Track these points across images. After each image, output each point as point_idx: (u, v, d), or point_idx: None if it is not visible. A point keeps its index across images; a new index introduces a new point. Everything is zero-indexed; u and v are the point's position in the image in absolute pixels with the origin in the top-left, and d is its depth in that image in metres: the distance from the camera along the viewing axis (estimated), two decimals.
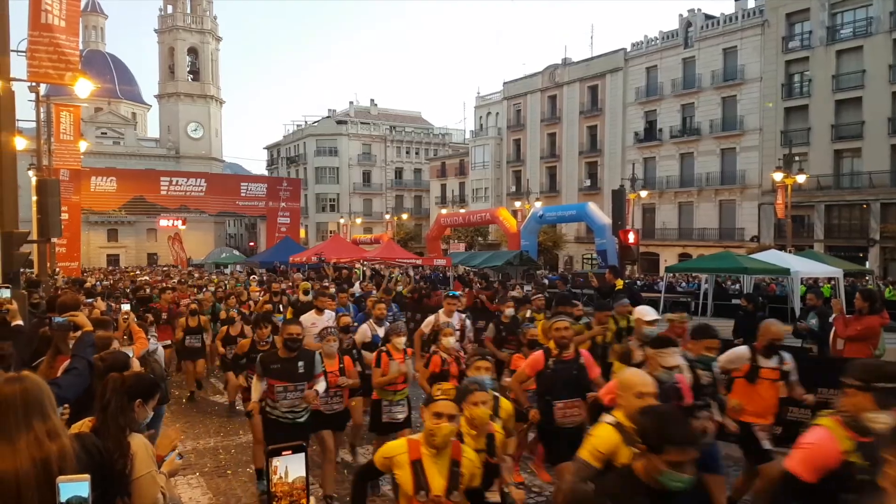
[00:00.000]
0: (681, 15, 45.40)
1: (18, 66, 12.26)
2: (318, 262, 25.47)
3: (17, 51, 12.40)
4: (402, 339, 6.72)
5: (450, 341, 6.67)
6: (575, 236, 50.69)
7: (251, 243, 74.51)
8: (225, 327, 10.59)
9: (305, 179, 70.08)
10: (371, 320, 8.84)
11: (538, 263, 33.21)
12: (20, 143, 13.19)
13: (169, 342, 11.56)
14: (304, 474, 2.12)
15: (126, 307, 9.52)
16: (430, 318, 9.10)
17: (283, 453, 2.11)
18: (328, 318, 9.09)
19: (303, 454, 2.14)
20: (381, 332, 8.41)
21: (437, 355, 6.55)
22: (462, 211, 52.83)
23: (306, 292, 11.81)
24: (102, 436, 2.92)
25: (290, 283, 18.04)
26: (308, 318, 9.01)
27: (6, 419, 2.31)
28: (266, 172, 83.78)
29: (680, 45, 45.18)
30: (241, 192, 46.37)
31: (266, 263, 32.86)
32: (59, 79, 12.63)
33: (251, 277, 21.80)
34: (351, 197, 72.52)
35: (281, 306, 12.63)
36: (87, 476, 2.05)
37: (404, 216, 66.82)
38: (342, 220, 62.99)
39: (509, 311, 9.26)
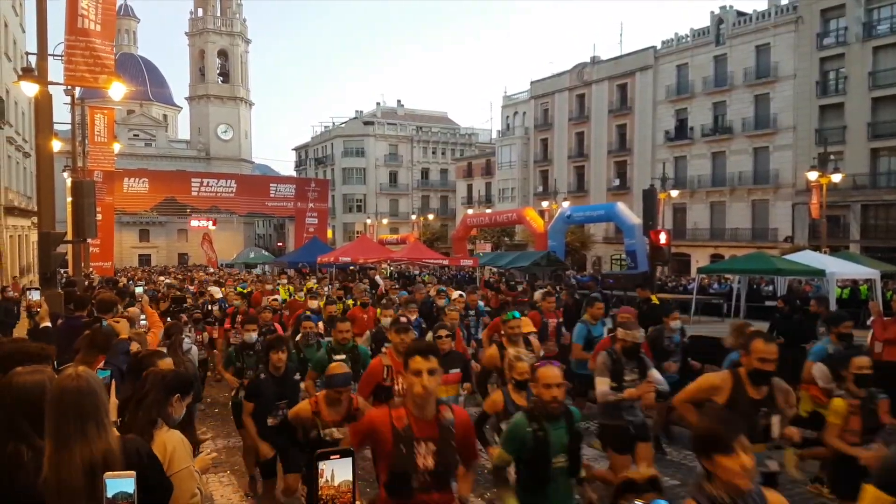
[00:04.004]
0: (712, 12, 44.73)
1: (55, 69, 12.51)
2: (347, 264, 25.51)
3: (54, 55, 12.66)
4: None
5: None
6: (603, 237, 50.22)
7: (279, 243, 75.26)
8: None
9: (333, 180, 70.56)
10: None
11: (566, 264, 32.87)
12: (56, 145, 13.45)
13: None
14: (350, 478, 2.11)
15: (140, 290, 9.71)
16: None
17: (332, 457, 2.10)
18: None
19: (350, 458, 2.12)
20: None
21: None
22: (488, 211, 52.67)
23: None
24: (131, 427, 2.96)
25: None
26: None
27: (66, 422, 2.32)
28: (294, 173, 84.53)
29: (711, 42, 44.52)
30: (270, 192, 46.73)
31: (294, 263, 33.17)
32: (94, 82, 12.87)
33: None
34: (377, 197, 72.85)
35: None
36: (133, 473, 2.10)
37: (430, 216, 66.91)
38: (369, 221, 63.36)
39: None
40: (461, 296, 11.26)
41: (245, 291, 15.28)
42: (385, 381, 5.44)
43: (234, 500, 6.75)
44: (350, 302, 12.76)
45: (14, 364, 2.75)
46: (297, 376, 5.91)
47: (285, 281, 19.78)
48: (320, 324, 8.94)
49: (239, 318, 9.91)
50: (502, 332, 6.43)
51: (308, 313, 9.13)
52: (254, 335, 7.06)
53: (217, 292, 13.83)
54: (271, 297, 11.26)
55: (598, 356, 5.78)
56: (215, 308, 12.25)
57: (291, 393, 5.75)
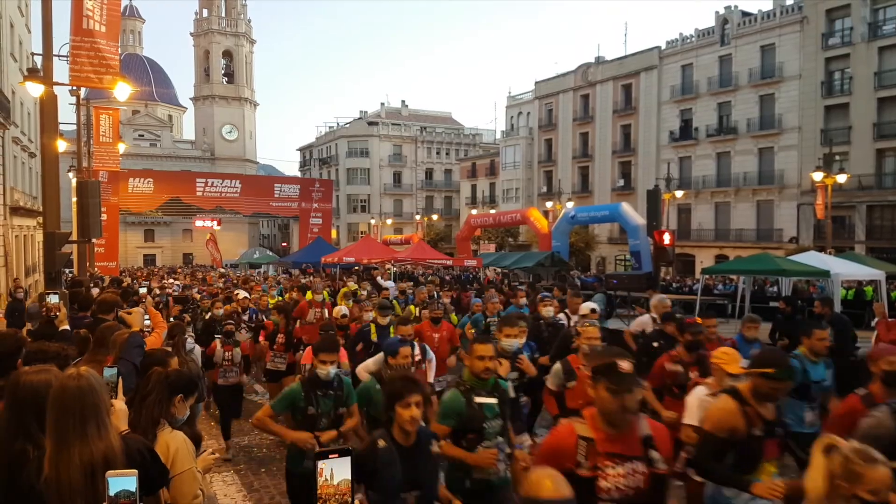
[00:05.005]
0: (717, 12, 44.66)
1: (60, 70, 12.54)
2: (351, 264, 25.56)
3: (59, 55, 12.68)
4: None
5: None
6: (608, 237, 50.16)
7: (284, 244, 75.37)
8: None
9: (337, 180, 70.64)
10: None
11: (570, 265, 32.86)
12: (61, 145, 13.47)
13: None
14: (348, 477, 2.12)
15: (143, 290, 9.69)
16: None
17: (330, 456, 2.11)
18: None
19: (348, 458, 2.13)
20: None
21: None
22: (492, 211, 52.69)
23: None
24: (134, 427, 2.97)
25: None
26: None
27: (66, 422, 2.33)
28: (299, 174, 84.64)
29: (716, 42, 44.44)
30: (275, 193, 46.88)
31: (298, 264, 33.27)
32: (99, 83, 12.89)
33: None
34: (381, 198, 72.90)
35: None
36: (135, 471, 2.12)
37: (434, 217, 66.98)
38: (373, 221, 63.47)
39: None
40: (594, 311, 8.06)
41: (276, 301, 12.92)
42: (580, 466, 2.83)
43: (237, 500, 6.76)
44: (413, 309, 10.25)
45: (35, 364, 2.78)
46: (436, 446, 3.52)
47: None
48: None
49: (280, 337, 8.98)
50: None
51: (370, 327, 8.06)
52: (332, 369, 4.76)
53: (242, 293, 12.67)
54: (340, 314, 8.85)
55: (866, 417, 3.56)
56: (245, 316, 11.11)
57: (429, 477, 3.38)
